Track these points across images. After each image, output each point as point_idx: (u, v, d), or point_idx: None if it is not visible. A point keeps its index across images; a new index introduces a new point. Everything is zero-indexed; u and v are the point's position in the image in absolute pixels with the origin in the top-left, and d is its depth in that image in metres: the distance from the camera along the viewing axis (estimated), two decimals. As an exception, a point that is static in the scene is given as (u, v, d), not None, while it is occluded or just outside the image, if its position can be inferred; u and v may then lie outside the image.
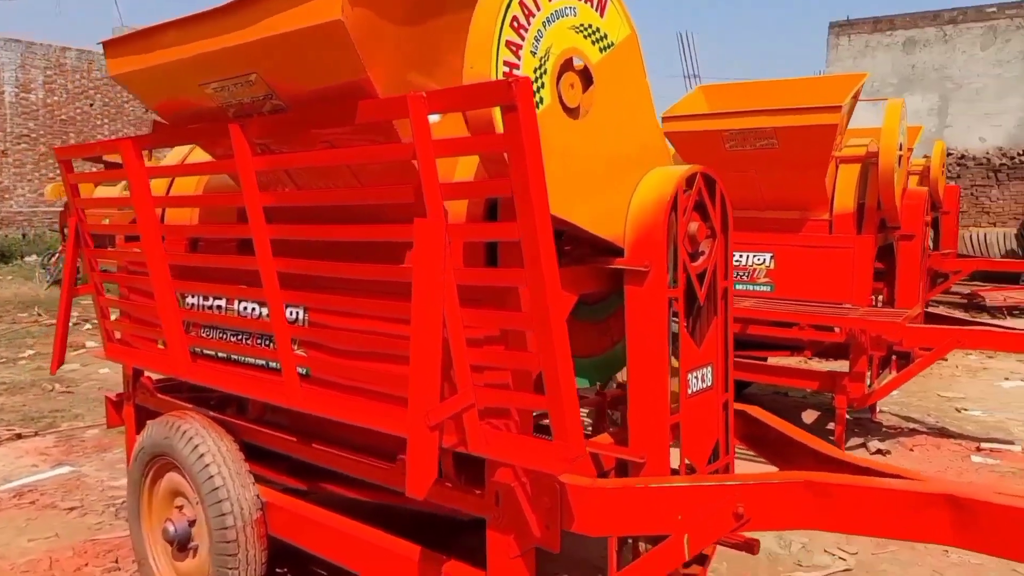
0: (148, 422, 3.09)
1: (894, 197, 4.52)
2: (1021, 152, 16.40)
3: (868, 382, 4.74)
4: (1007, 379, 7.22)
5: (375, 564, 2.45)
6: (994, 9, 17.22)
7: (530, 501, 2.08)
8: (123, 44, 2.48)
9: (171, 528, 2.89)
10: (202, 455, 2.78)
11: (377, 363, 2.28)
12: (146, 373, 3.51)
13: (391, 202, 2.18)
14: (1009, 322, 9.68)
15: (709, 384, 2.37)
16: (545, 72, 1.94)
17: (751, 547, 2.26)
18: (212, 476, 2.74)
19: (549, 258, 1.71)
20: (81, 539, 3.77)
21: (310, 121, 2.13)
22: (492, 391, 1.96)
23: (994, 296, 10.30)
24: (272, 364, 2.70)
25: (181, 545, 2.92)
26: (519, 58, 1.86)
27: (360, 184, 2.31)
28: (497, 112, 1.77)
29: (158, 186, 3.31)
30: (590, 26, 2.08)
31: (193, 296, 2.93)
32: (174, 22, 2.28)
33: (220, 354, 2.91)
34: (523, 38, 1.87)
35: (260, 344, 2.75)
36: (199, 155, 3.11)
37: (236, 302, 2.83)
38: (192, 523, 2.90)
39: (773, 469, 2.58)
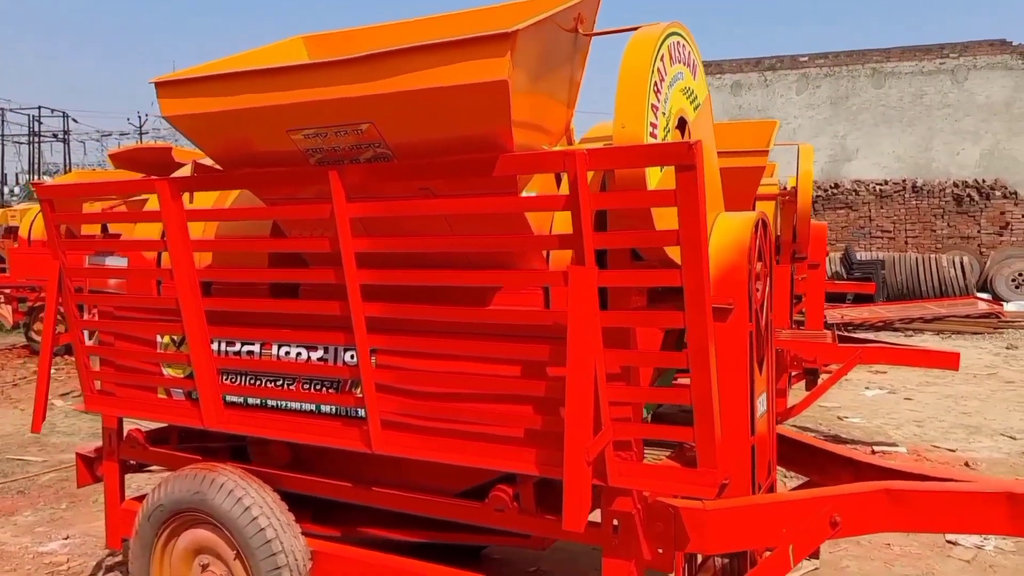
0: (165, 477, 2.90)
1: (809, 230, 5.09)
2: (833, 185, 18.49)
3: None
4: (867, 388, 8.19)
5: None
6: (806, 59, 19.39)
7: (644, 527, 2.22)
8: (183, 86, 2.39)
9: (205, 589, 2.74)
10: (248, 508, 2.67)
11: (474, 404, 2.34)
12: (136, 425, 3.28)
13: (497, 250, 2.28)
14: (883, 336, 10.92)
15: (765, 408, 2.63)
16: (668, 131, 2.13)
17: (817, 553, 2.53)
18: (263, 529, 2.64)
19: (706, 298, 1.89)
20: (45, 613, 3.42)
21: (431, 170, 2.17)
22: (634, 425, 2.10)
23: (832, 314, 11.55)
24: (325, 408, 2.67)
25: (212, 605, 2.77)
26: (657, 119, 2.03)
27: (452, 232, 2.37)
28: (653, 171, 1.93)
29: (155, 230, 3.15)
30: (689, 88, 2.30)
31: (216, 342, 2.82)
32: (266, 70, 2.24)
33: (251, 401, 2.82)
34: (659, 100, 2.05)
35: (309, 389, 2.70)
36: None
37: (274, 347, 2.76)
38: (225, 581, 2.77)
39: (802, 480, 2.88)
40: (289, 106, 2.21)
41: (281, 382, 2.77)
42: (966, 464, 5.59)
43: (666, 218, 2.09)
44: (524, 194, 2.26)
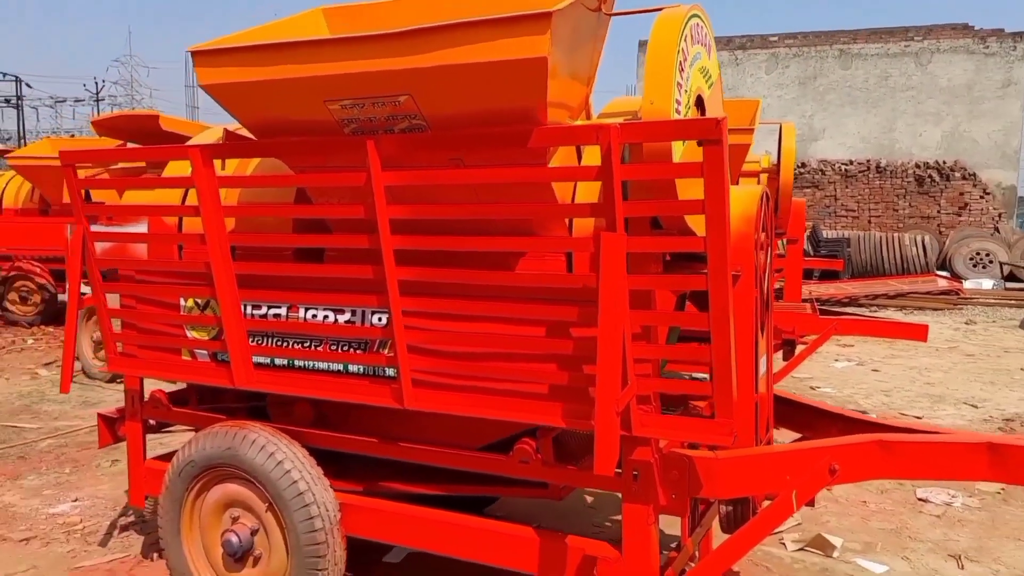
0: (196, 434, 3.02)
1: (791, 206, 5.32)
2: (800, 164, 18.86)
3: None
4: (837, 360, 8.52)
5: (487, 549, 2.65)
6: (776, 38, 19.66)
7: (661, 475, 2.41)
8: (221, 55, 2.48)
9: (235, 539, 2.88)
10: (280, 462, 2.81)
11: (501, 362, 2.50)
12: (159, 387, 3.38)
13: (524, 218, 2.44)
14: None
15: (766, 370, 2.83)
16: (689, 108, 2.29)
17: (812, 501, 2.74)
18: (295, 481, 2.78)
19: (727, 264, 2.06)
20: (65, 568, 3.53)
21: (467, 141, 2.30)
22: (656, 380, 2.28)
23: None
24: (353, 368, 2.80)
25: (240, 556, 2.92)
26: (680, 96, 2.19)
27: (479, 200, 2.52)
28: (678, 144, 2.10)
29: (175, 196, 3.24)
30: (705, 67, 2.45)
31: (244, 306, 2.93)
32: (306, 42, 2.35)
33: (278, 362, 2.95)
34: (682, 79, 2.20)
35: (336, 349, 2.83)
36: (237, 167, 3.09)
37: (301, 309, 2.89)
38: (255, 532, 2.91)
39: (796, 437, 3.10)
40: (329, 77, 2.32)
41: (308, 343, 2.90)
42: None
43: (688, 189, 2.26)
44: (550, 165, 2.40)
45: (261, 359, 2.96)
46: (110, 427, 3.52)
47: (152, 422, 3.47)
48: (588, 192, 2.48)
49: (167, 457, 3.57)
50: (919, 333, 5.67)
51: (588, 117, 2.73)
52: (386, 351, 2.74)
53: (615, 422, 2.14)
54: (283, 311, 2.94)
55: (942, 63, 18.52)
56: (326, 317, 2.87)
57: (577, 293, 2.32)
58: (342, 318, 2.83)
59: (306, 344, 2.91)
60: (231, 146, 2.78)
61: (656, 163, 2.11)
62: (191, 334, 3.17)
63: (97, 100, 55.26)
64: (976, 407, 6.68)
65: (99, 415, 3.55)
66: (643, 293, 2.31)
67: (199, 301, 3.12)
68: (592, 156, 2.51)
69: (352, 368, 2.82)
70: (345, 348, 2.84)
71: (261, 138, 2.69)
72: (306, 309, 2.90)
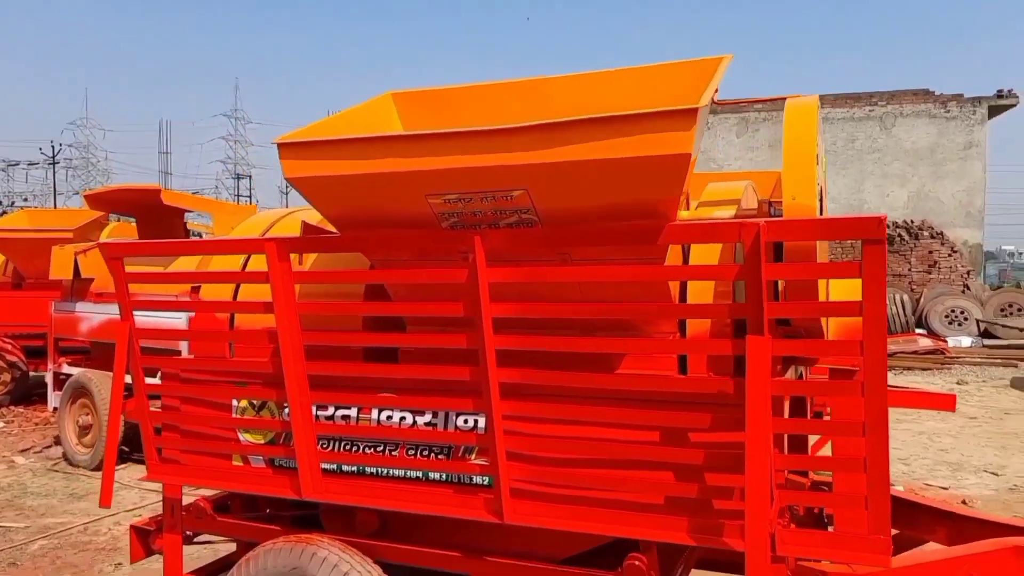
0: (257, 550, 2.75)
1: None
2: (773, 225, 19.16)
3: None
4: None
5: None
6: (746, 103, 20.20)
7: (794, 592, 2.23)
8: (312, 148, 2.33)
9: (304, 669, 2.60)
10: (357, 583, 2.56)
11: (610, 470, 2.32)
12: (202, 494, 3.11)
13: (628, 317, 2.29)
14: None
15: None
16: (821, 200, 2.19)
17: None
18: (376, 605, 2.53)
19: (885, 366, 1.93)
20: None
21: (585, 237, 2.16)
22: (803, 492, 2.12)
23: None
24: (434, 475, 2.59)
25: None
26: (819, 193, 2.09)
27: (586, 297, 2.37)
28: (821, 243, 1.98)
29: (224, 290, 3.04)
30: (821, 155, 2.37)
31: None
32: (411, 136, 2.22)
33: (345, 469, 2.72)
34: (820, 177, 2.10)
35: (416, 455, 2.63)
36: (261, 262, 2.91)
37: (374, 412, 2.69)
38: (325, 661, 2.63)
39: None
40: (436, 171, 2.18)
41: (383, 447, 2.69)
42: (964, 502, 5.81)
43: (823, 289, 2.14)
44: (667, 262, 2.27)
45: (327, 466, 2.73)
46: (143, 540, 3.22)
47: (189, 533, 3.19)
48: (700, 290, 2.36)
49: (205, 572, 3.29)
50: (947, 403, 5.61)
51: (687, 206, 2.62)
52: (472, 457, 2.55)
53: (766, 543, 1.96)
54: (353, 413, 2.73)
55: (906, 127, 19.17)
56: (403, 419, 2.67)
57: (688, 396, 2.17)
58: (422, 420, 2.63)
59: (379, 449, 2.69)
60: (313, 240, 2.60)
61: (812, 263, 1.99)
62: (245, 438, 2.94)
63: (53, 163, 54.50)
64: (997, 475, 6.62)
65: (132, 527, 3.24)
66: (776, 399, 2.16)
67: (255, 402, 2.90)
68: (703, 254, 2.40)
69: (433, 475, 2.61)
70: (425, 453, 2.64)
71: (344, 231, 2.52)
72: (379, 411, 2.70)
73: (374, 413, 2.70)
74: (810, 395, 2.20)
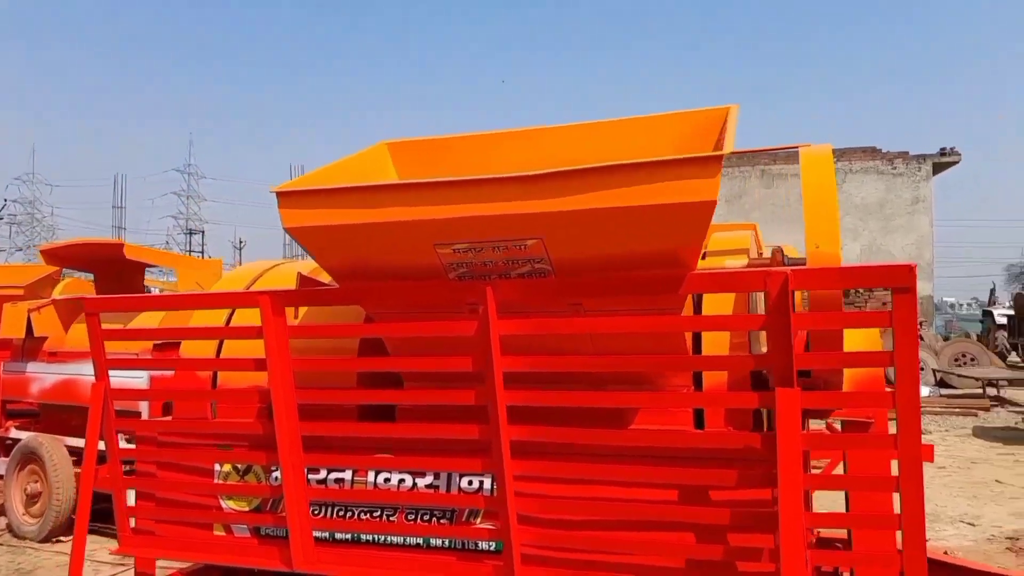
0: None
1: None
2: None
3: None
4: (818, 478, 8.40)
5: None
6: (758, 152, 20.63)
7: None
8: (313, 197, 2.23)
9: None
10: (354, 661, 2.38)
11: (629, 532, 2.21)
12: (176, 568, 2.89)
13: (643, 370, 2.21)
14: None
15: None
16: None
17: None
18: None
19: (919, 417, 1.88)
20: None
21: (603, 287, 2.09)
22: (832, 552, 2.03)
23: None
24: (436, 542, 2.45)
25: None
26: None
27: (598, 350, 2.29)
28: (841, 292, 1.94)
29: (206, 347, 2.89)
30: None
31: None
32: (418, 184, 2.13)
33: (338, 536, 2.56)
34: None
35: (416, 520, 2.48)
36: (247, 316, 2.78)
37: (370, 474, 2.55)
38: None
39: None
40: (446, 221, 2.10)
41: (380, 513, 2.54)
42: (945, 552, 5.77)
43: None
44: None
45: (319, 534, 2.56)
46: (114, 619, 2.97)
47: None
48: (715, 341, 2.30)
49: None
50: (926, 454, 5.62)
51: (703, 256, 2.58)
52: (477, 521, 2.42)
53: (806, 607, 1.86)
54: (347, 476, 2.59)
55: (855, 183, 19.77)
56: (402, 482, 2.53)
57: (728, 453, 2.08)
58: (423, 482, 2.50)
59: (376, 515, 2.54)
60: (311, 292, 2.48)
61: (839, 312, 1.94)
62: (228, 505, 2.75)
63: (-3, 219, 53.17)
64: (973, 525, 6.61)
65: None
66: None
67: (239, 466, 2.73)
68: (715, 304, 2.35)
69: (435, 542, 2.47)
70: (426, 518, 2.49)
71: (342, 283, 2.41)
72: (377, 473, 2.56)
73: (371, 476, 2.56)
74: (841, 449, 2.14)
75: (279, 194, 2.25)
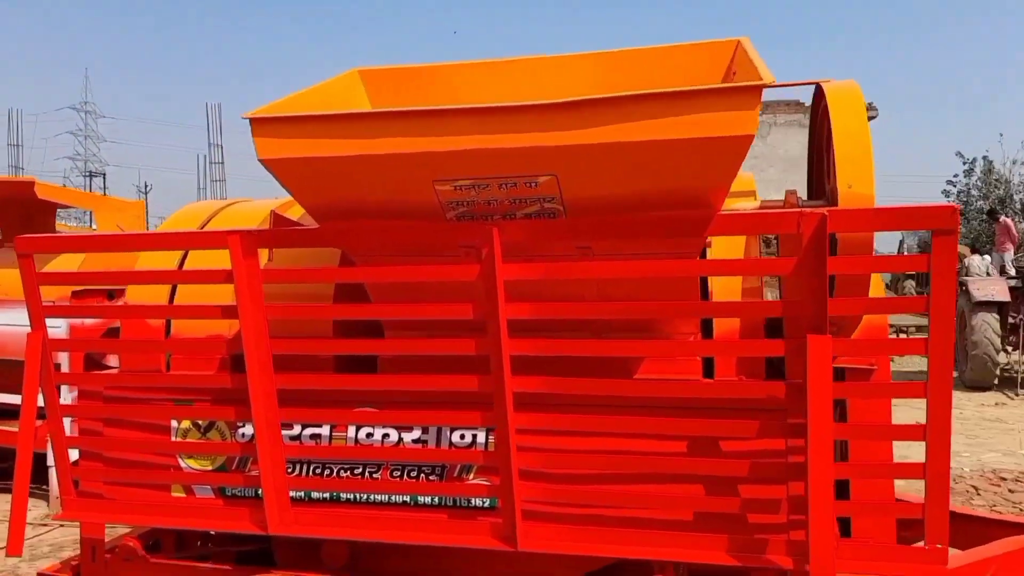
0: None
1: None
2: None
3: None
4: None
5: None
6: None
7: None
8: (293, 125, 1.97)
9: None
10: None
11: (637, 486, 2.11)
12: (130, 534, 2.65)
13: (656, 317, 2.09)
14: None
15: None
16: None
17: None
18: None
19: (951, 367, 1.82)
20: None
21: (619, 227, 1.94)
22: (854, 504, 1.97)
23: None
24: (424, 500, 2.31)
25: None
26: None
27: (605, 295, 2.15)
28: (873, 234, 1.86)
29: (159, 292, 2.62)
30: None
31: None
32: (418, 112, 1.90)
33: (315, 496, 2.39)
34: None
35: (401, 476, 2.33)
36: (202, 260, 2.53)
37: (351, 429, 2.37)
38: None
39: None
40: (447, 153, 1.89)
41: (362, 470, 2.36)
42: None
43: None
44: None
45: (294, 493, 2.38)
46: (60, 589, 2.72)
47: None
48: (725, 287, 2.19)
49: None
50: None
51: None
52: (470, 476, 2.28)
53: (833, 557, 1.80)
54: (325, 431, 2.40)
55: (780, 135, 20.12)
56: (386, 436, 2.36)
57: (747, 403, 1.99)
58: (409, 437, 2.34)
59: (357, 472, 2.37)
60: (288, 233, 2.24)
61: (875, 256, 1.85)
62: (187, 464, 2.53)
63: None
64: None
65: (40, 574, 2.73)
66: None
67: (200, 423, 2.50)
68: (725, 247, 2.23)
69: (424, 500, 2.32)
70: (413, 474, 2.34)
71: (323, 222, 2.18)
72: (357, 428, 2.38)
73: (351, 431, 2.37)
74: (873, 397, 2.07)
75: (253, 120, 1.98)
